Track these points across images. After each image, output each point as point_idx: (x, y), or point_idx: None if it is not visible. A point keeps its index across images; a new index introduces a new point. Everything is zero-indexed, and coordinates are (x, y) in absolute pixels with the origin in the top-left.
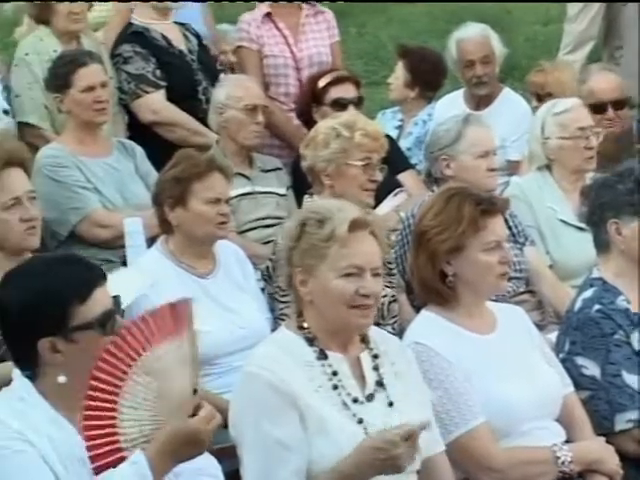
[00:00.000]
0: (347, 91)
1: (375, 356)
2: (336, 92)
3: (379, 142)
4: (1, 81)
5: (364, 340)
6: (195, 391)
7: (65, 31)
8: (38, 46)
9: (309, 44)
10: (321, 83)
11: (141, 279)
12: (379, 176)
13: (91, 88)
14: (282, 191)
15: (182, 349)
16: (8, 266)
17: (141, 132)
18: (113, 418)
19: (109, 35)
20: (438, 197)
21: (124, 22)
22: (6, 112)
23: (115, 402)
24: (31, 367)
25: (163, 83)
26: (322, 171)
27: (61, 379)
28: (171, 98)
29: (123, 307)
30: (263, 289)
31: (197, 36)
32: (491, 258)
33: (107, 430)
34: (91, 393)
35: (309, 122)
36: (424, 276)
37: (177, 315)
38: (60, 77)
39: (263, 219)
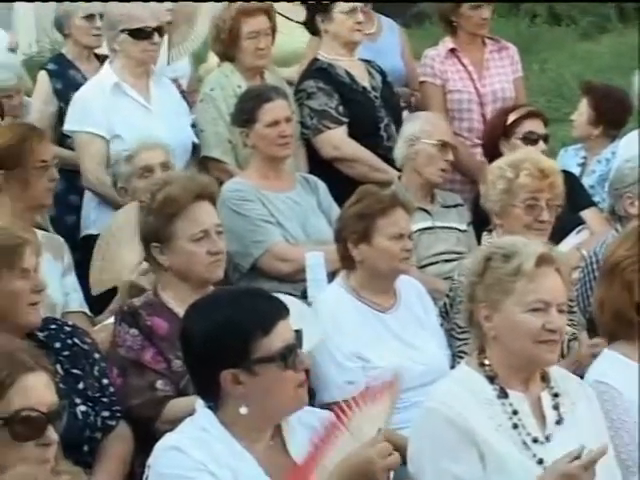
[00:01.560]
0: (538, 126)
1: (555, 395)
2: (527, 126)
3: (547, 181)
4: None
5: (544, 378)
6: (379, 429)
7: (250, 67)
8: (223, 82)
9: (493, 80)
10: (512, 117)
11: (320, 324)
12: (547, 216)
13: (276, 123)
14: (463, 227)
15: (383, 407)
16: (192, 297)
17: (322, 167)
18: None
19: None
20: (631, 231)
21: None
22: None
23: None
24: (213, 398)
25: (345, 119)
26: (491, 210)
27: (242, 410)
28: (353, 134)
29: (307, 350)
30: (441, 325)
31: (382, 73)
32: None
33: None
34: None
35: (495, 156)
36: (619, 307)
37: (386, 385)
38: (246, 112)
39: (443, 254)
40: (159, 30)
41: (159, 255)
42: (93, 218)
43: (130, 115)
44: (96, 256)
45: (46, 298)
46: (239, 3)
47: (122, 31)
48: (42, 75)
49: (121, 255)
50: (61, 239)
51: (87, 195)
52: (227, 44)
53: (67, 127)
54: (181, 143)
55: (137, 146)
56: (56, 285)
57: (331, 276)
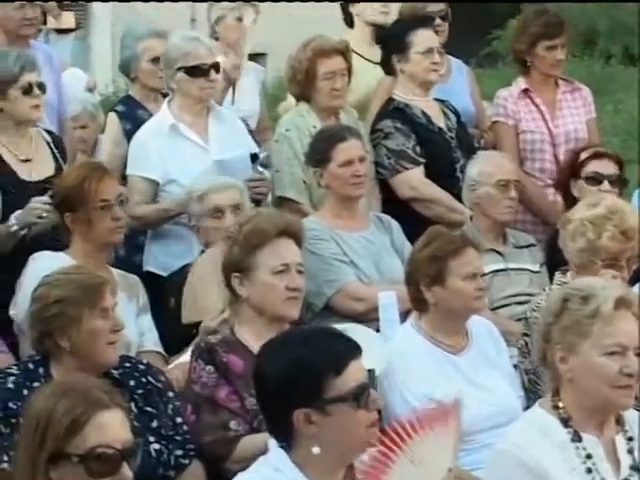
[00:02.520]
0: (605, 167)
1: (630, 438)
2: (594, 166)
3: (630, 243)
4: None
5: (619, 421)
6: (449, 469)
7: (325, 107)
8: (298, 122)
9: (566, 120)
10: (582, 156)
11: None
12: (627, 273)
13: (350, 162)
14: (535, 268)
15: (447, 437)
16: (268, 334)
17: (395, 207)
18: None
19: (374, 110)
20: None
21: (385, 98)
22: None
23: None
24: (286, 438)
25: (422, 160)
26: (569, 259)
27: (315, 450)
28: (429, 175)
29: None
30: (516, 366)
31: (456, 113)
32: None
33: None
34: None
35: (567, 196)
36: None
37: (445, 410)
38: (320, 152)
39: (516, 296)
40: (216, 67)
41: (239, 286)
42: (154, 255)
43: (186, 158)
44: (185, 294)
45: (122, 337)
46: (316, 44)
47: (179, 69)
48: (112, 117)
49: (206, 297)
50: (136, 278)
51: (148, 234)
52: (303, 85)
53: (127, 170)
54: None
55: (209, 186)
56: (131, 324)
57: (404, 315)
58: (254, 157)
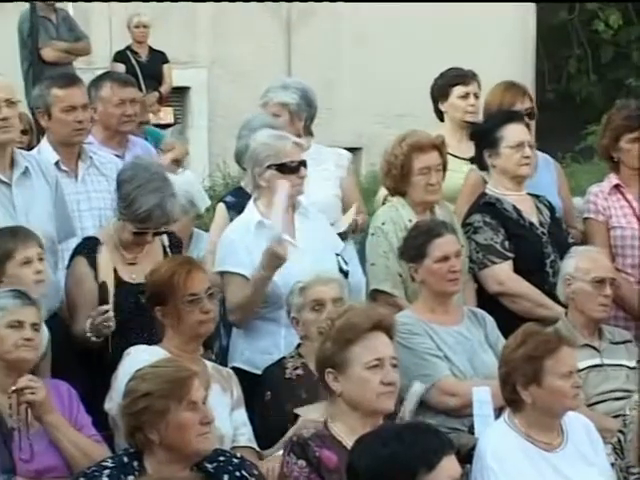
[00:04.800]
0: None
1: None
2: None
3: None
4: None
5: None
6: None
7: (421, 202)
8: (394, 216)
9: None
10: None
11: None
12: None
13: (446, 258)
14: (632, 364)
15: None
16: (362, 429)
17: (486, 301)
18: None
19: (460, 204)
20: None
21: (475, 192)
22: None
23: None
24: None
25: (511, 254)
26: None
27: None
28: (518, 269)
29: None
30: (612, 464)
31: (550, 208)
32: None
33: None
34: None
35: None
36: None
37: None
38: (415, 247)
39: (613, 392)
40: (304, 163)
41: (333, 382)
42: (239, 351)
43: None
44: None
45: (215, 430)
46: (412, 139)
47: (269, 167)
48: (220, 208)
49: None
50: (230, 371)
51: (234, 331)
52: (398, 179)
53: (215, 267)
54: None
55: (312, 279)
56: (224, 417)
57: (499, 411)
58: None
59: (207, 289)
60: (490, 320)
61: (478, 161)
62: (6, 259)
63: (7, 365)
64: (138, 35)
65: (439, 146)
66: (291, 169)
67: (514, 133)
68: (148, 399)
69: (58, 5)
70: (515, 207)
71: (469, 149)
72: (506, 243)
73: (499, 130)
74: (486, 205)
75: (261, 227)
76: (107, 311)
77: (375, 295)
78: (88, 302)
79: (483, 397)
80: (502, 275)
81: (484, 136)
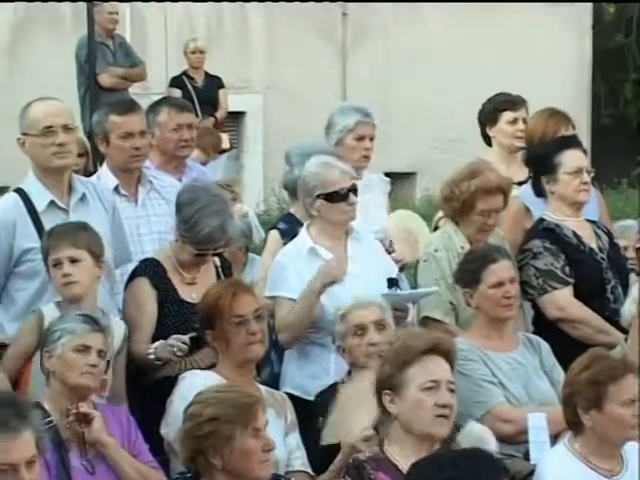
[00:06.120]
0: None
1: None
2: None
3: None
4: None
5: None
6: None
7: (473, 238)
8: (447, 242)
9: None
10: None
11: None
12: None
13: (501, 284)
14: None
15: None
16: (418, 454)
17: (545, 327)
18: None
19: (509, 229)
20: None
21: (518, 219)
22: None
23: None
24: None
25: (571, 280)
26: None
27: None
28: (579, 295)
29: None
30: None
31: (608, 234)
32: None
33: None
34: None
35: None
36: None
37: None
38: (470, 272)
39: None
40: (354, 190)
41: (389, 403)
42: (290, 376)
43: None
44: (330, 414)
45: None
46: (481, 181)
47: (318, 196)
48: (273, 234)
49: (350, 420)
50: (284, 395)
51: (287, 354)
52: (457, 212)
53: (266, 292)
54: None
55: (351, 304)
56: (279, 441)
57: (555, 438)
58: (392, 282)
59: (255, 311)
60: (545, 346)
61: (534, 187)
62: (45, 257)
63: (69, 389)
64: (194, 60)
65: (505, 190)
66: (341, 197)
67: (572, 159)
68: (214, 424)
69: (115, 32)
70: (575, 233)
71: (517, 174)
72: (567, 269)
73: (557, 156)
74: (545, 230)
75: (313, 253)
76: (186, 342)
77: (426, 322)
78: (150, 323)
79: (539, 424)
80: (563, 301)
81: (541, 162)
